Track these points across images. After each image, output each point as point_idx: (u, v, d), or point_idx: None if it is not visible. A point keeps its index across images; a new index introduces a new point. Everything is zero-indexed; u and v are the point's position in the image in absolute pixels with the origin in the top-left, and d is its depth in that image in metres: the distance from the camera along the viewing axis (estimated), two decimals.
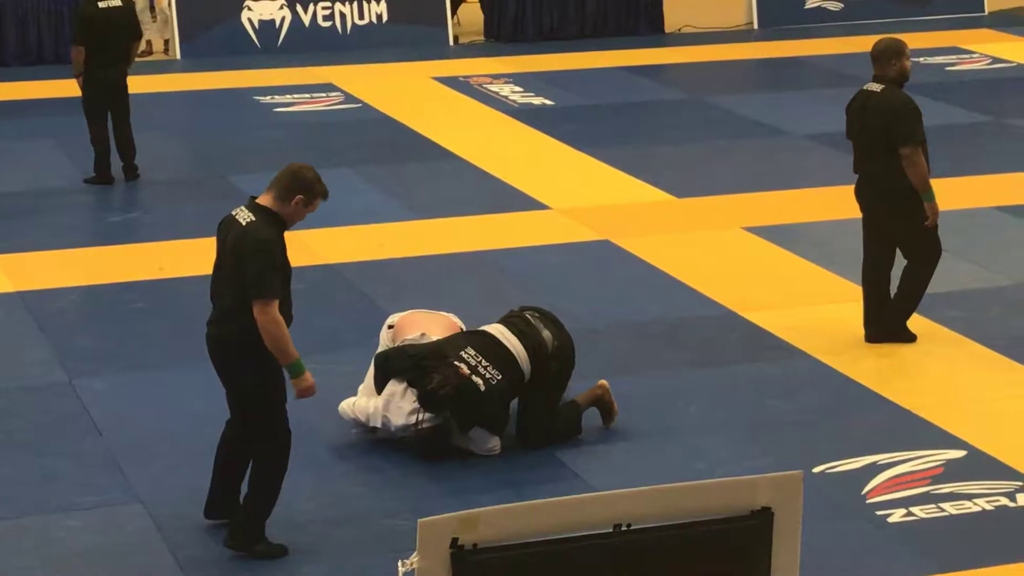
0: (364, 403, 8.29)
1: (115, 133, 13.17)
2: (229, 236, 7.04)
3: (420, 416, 8.04)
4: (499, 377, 8.09)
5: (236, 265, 6.94)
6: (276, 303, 6.86)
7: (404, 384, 8.12)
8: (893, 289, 9.66)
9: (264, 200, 7.07)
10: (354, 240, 11.80)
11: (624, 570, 4.41)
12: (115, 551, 7.26)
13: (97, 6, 12.99)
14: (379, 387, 8.29)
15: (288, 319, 7.01)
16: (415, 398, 8.07)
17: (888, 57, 9.34)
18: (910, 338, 9.57)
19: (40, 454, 8.30)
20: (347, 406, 8.38)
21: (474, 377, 8.04)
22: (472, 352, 8.13)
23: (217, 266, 7.16)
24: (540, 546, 4.33)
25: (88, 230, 12.40)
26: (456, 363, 8.06)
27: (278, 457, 7.18)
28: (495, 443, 8.24)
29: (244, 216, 7.03)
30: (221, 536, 7.38)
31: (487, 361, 8.10)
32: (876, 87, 9.36)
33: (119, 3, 13.06)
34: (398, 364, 8.22)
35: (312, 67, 17.75)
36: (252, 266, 6.87)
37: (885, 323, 9.55)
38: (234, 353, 7.02)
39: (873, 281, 9.59)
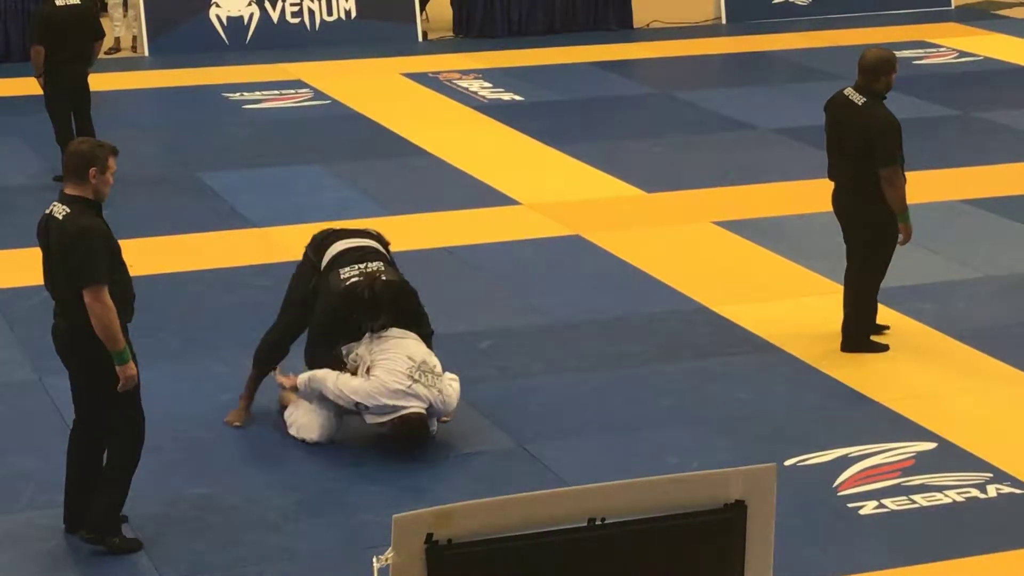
0: (347, 381, 8.17)
1: (77, 130, 13.13)
2: (51, 232, 7.05)
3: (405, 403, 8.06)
4: (383, 266, 8.41)
5: (63, 258, 6.98)
6: (105, 289, 6.91)
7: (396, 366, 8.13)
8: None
9: (71, 191, 7.07)
10: None
11: (598, 564, 4.42)
12: (86, 551, 7.24)
13: (55, 4, 12.93)
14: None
15: (131, 297, 7.10)
16: (406, 382, 8.06)
17: (879, 72, 9.21)
18: (881, 348, 9.55)
19: (9, 453, 8.28)
20: (307, 424, 8.31)
21: (383, 276, 8.27)
22: (358, 267, 8.33)
23: (46, 265, 7.16)
24: (515, 541, 4.33)
25: None
26: (360, 280, 8.23)
27: (132, 443, 7.19)
28: (456, 394, 8.28)
29: (60, 210, 7.05)
30: (192, 533, 7.38)
31: (371, 263, 8.37)
32: (858, 98, 9.26)
33: (78, 1, 13.00)
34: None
35: (281, 64, 17.71)
36: (77, 255, 6.92)
37: (850, 341, 9.52)
38: (82, 343, 7.01)
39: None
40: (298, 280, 8.67)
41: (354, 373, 8.20)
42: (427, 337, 8.42)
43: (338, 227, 8.89)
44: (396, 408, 8.06)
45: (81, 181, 7.03)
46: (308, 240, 11.72)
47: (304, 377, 8.31)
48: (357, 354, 8.23)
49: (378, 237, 8.75)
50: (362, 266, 8.35)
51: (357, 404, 8.12)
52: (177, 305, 10.39)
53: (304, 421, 8.31)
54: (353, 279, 8.27)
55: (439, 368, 8.23)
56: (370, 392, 8.07)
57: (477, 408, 8.76)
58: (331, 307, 8.29)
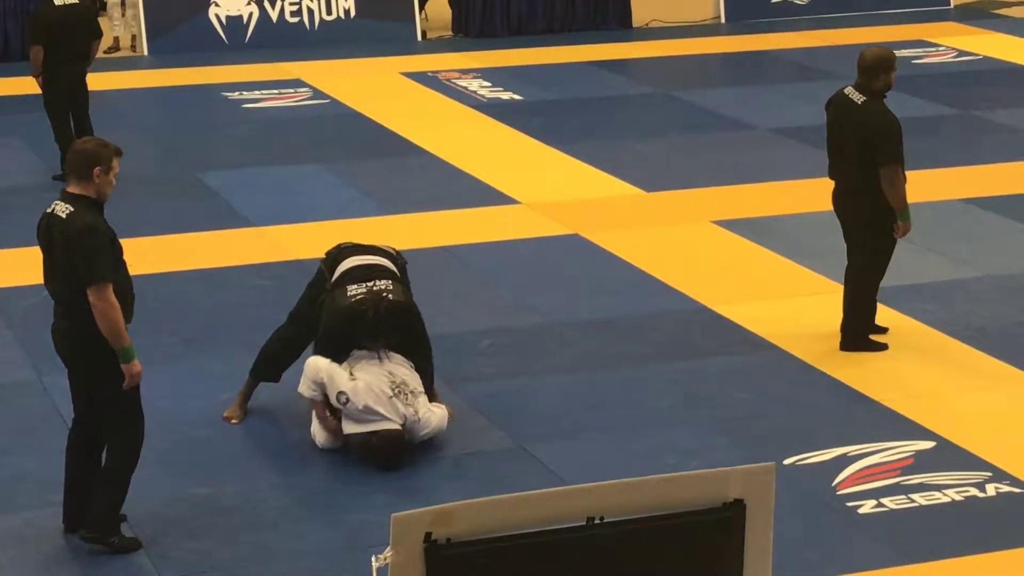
0: (340, 371, 8.11)
1: (75, 129, 13.13)
2: (54, 231, 7.03)
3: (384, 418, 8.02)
4: (391, 284, 8.28)
5: (67, 257, 6.96)
6: (109, 287, 6.91)
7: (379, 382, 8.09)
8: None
9: (73, 189, 7.06)
10: (324, 235, 11.76)
11: (597, 563, 4.42)
12: (85, 550, 7.24)
13: (54, 4, 12.94)
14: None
15: (131, 297, 7.10)
16: (388, 391, 8.04)
17: (878, 71, 9.23)
18: (880, 347, 9.56)
19: (9, 452, 8.28)
20: (319, 432, 8.26)
21: (389, 296, 8.18)
22: (365, 285, 8.22)
23: (47, 264, 7.15)
24: (513, 540, 4.33)
25: None
26: (365, 297, 8.15)
27: (131, 443, 7.19)
28: (440, 421, 8.22)
29: (62, 208, 7.03)
30: (191, 532, 7.39)
31: (379, 281, 8.25)
32: (857, 97, 9.26)
33: (76, 1, 13.02)
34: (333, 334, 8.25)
35: (280, 63, 17.71)
36: (81, 254, 6.91)
37: (850, 341, 9.52)
38: (84, 343, 7.02)
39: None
40: (307, 294, 8.63)
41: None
42: (424, 372, 8.31)
43: (355, 243, 8.75)
44: (374, 418, 8.01)
45: (84, 180, 7.03)
46: (306, 239, 11.77)
47: (304, 379, 8.28)
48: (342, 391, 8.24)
49: (393, 256, 8.64)
50: (370, 284, 8.26)
51: (341, 393, 8.07)
52: (176, 304, 10.40)
53: (314, 427, 8.31)
54: (359, 296, 8.20)
55: (420, 390, 8.19)
56: (355, 388, 8.03)
57: (476, 408, 8.76)
58: (334, 323, 8.23)
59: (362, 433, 8.06)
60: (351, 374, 8.11)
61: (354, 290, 8.24)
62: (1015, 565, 7.18)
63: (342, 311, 8.20)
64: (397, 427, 8.04)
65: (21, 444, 8.37)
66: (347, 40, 18.79)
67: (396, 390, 8.08)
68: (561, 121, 15.30)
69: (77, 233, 6.92)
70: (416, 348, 8.33)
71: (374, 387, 8.03)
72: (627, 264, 11.14)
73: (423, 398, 8.20)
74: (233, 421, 8.57)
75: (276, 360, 8.65)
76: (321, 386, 8.15)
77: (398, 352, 8.25)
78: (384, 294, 8.20)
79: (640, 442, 8.35)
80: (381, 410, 8.01)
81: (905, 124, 9.40)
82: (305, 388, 8.24)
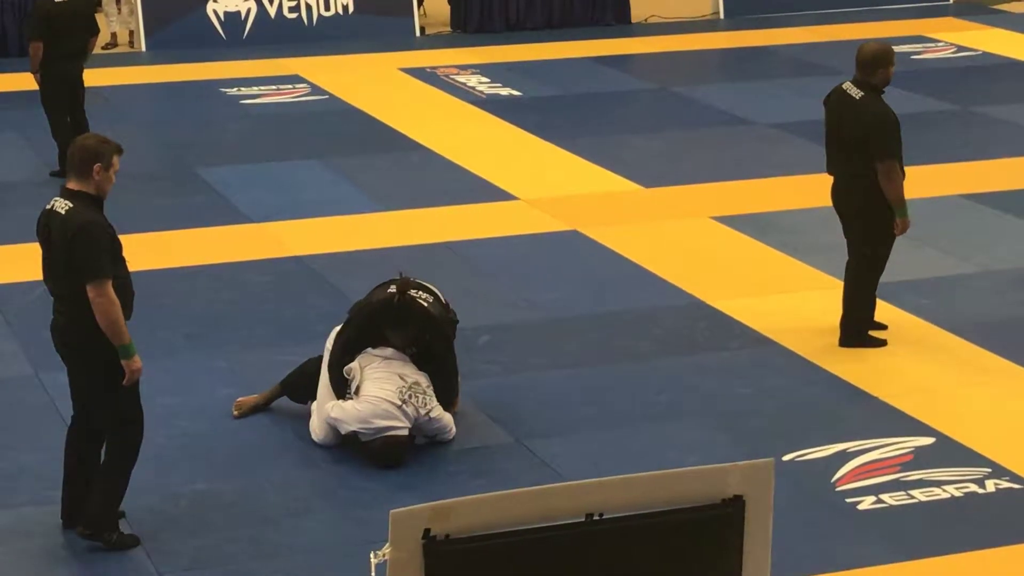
0: (341, 409, 8.12)
1: (72, 124, 13.12)
2: (53, 227, 7.01)
3: (395, 423, 8.01)
4: (431, 299, 8.31)
5: (65, 254, 6.95)
6: (109, 283, 6.89)
7: (389, 386, 8.08)
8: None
9: (73, 186, 7.04)
10: (322, 232, 11.78)
11: (596, 560, 4.42)
12: (84, 547, 7.23)
13: (54, 1, 12.94)
14: (337, 386, 8.26)
15: (130, 293, 7.09)
16: (397, 400, 8.03)
17: (876, 65, 9.23)
18: (879, 343, 9.55)
19: (7, 448, 8.27)
20: (318, 426, 8.26)
21: (420, 299, 8.25)
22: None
23: (46, 260, 7.13)
24: (512, 536, 4.33)
25: None
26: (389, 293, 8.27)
27: (130, 439, 7.18)
28: (450, 424, 8.24)
29: (62, 205, 7.01)
30: (190, 528, 7.38)
31: (419, 291, 8.34)
32: (855, 92, 9.25)
33: None
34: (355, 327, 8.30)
35: (278, 59, 17.70)
36: (79, 250, 6.90)
37: (849, 336, 9.51)
38: (84, 339, 7.00)
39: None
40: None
41: (346, 388, 8.20)
42: (444, 391, 8.30)
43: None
44: (386, 428, 8.01)
45: (84, 177, 7.01)
46: (304, 235, 11.74)
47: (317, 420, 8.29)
48: (350, 368, 8.21)
49: (443, 302, 8.60)
50: (411, 291, 8.34)
51: (352, 432, 8.08)
52: (174, 301, 10.38)
53: (314, 423, 8.31)
54: (392, 290, 8.28)
55: (431, 390, 8.19)
56: (363, 416, 8.00)
57: (475, 403, 8.75)
58: (363, 312, 8.29)
59: (372, 440, 8.06)
60: (356, 392, 8.11)
61: (392, 289, 8.30)
62: (1014, 561, 7.17)
63: (372, 303, 8.28)
64: (404, 432, 8.04)
65: (19, 440, 8.36)
66: (345, 36, 18.79)
67: (408, 394, 8.06)
68: (559, 117, 15.29)
69: (76, 229, 6.90)
70: (440, 369, 8.30)
71: (381, 405, 8.02)
72: (626, 260, 11.13)
73: (443, 413, 8.23)
74: (235, 413, 8.56)
75: (312, 380, 8.58)
76: (334, 430, 8.16)
77: (414, 362, 8.25)
78: (417, 293, 8.24)
79: (639, 438, 8.35)
80: (391, 423, 8.01)
81: (904, 119, 9.39)
82: (320, 437, 8.25)
